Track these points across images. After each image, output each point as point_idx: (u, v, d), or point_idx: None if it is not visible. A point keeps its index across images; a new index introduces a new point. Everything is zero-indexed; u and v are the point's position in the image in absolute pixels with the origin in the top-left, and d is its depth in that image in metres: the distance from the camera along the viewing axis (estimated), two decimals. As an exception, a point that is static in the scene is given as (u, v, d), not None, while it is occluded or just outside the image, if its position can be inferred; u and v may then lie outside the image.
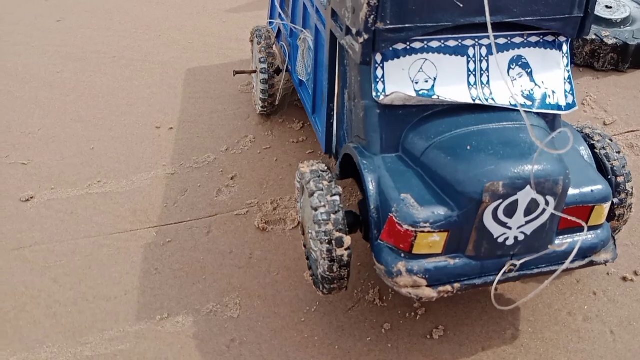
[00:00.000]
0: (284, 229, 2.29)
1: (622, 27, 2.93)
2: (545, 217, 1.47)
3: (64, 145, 2.88)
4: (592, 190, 1.55)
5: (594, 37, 2.85)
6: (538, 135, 1.57)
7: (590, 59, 2.93)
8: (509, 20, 1.58)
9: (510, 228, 1.47)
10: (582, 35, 1.67)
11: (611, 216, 1.79)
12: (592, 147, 1.83)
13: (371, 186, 1.59)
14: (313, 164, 1.72)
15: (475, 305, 1.93)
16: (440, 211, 1.46)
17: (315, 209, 1.58)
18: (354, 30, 1.52)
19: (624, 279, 1.97)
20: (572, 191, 1.54)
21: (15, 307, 2.09)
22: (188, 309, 2.03)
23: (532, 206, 1.45)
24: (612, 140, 1.84)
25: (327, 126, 2.01)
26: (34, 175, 2.71)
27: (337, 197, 1.60)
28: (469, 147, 1.50)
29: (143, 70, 3.41)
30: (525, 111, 1.65)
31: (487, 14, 1.29)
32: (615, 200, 1.77)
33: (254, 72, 2.76)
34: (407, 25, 1.50)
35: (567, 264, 1.42)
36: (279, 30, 2.79)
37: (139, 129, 2.94)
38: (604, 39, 2.82)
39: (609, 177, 1.77)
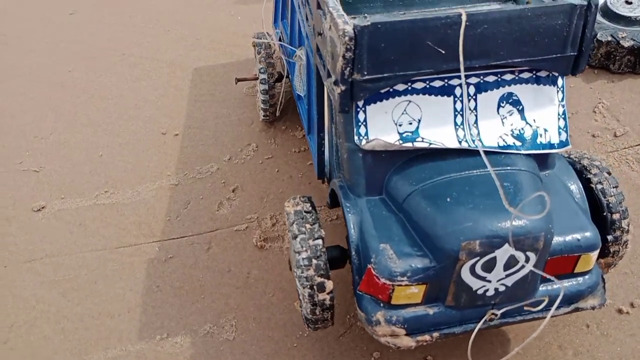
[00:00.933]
0: (281, 246, 2.32)
1: (641, 25, 2.78)
2: (526, 271, 1.45)
3: (73, 152, 2.94)
4: (578, 239, 1.51)
5: (609, 38, 2.70)
6: (524, 180, 1.53)
7: (605, 61, 2.78)
8: (496, 63, 1.52)
9: (489, 281, 1.46)
10: (576, 72, 1.60)
11: (605, 253, 1.75)
12: (587, 181, 1.77)
13: (353, 231, 1.59)
14: (298, 202, 1.72)
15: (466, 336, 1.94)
16: (419, 264, 1.46)
17: (298, 253, 1.59)
18: (332, 78, 1.49)
19: (620, 311, 1.93)
20: (557, 239, 1.50)
21: (26, 321, 2.20)
22: (186, 330, 2.10)
23: (511, 261, 1.42)
24: (610, 174, 1.78)
25: (318, 154, 2.00)
26: (46, 183, 2.79)
27: (319, 241, 1.61)
28: (449, 199, 1.47)
29: (151, 70, 3.42)
30: (513, 153, 1.61)
31: (461, 57, 1.24)
32: (610, 238, 1.72)
33: (256, 78, 2.74)
34: (386, 75, 1.45)
35: (547, 320, 1.41)
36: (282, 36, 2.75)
37: (145, 134, 2.97)
38: (620, 41, 2.67)
39: (604, 213, 1.72)
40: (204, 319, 2.12)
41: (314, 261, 1.58)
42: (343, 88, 1.44)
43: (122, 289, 2.27)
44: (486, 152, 1.59)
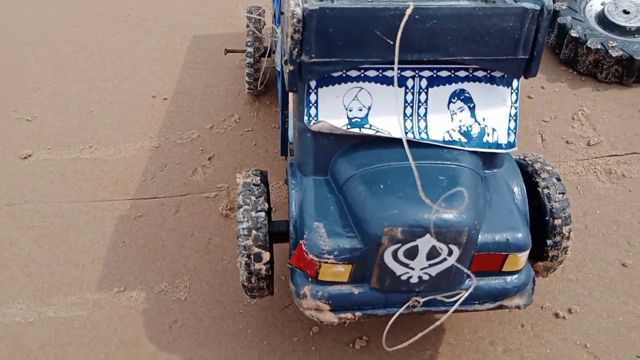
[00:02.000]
0: (245, 217, 2.39)
1: (636, 36, 2.71)
2: (449, 263, 1.49)
3: (66, 106, 3.03)
4: (508, 239, 1.54)
5: (599, 46, 2.67)
6: (461, 176, 1.56)
7: (593, 69, 2.75)
8: (445, 58, 1.54)
9: (412, 269, 1.51)
10: (528, 76, 1.61)
11: (544, 257, 1.78)
12: (535, 184, 1.79)
13: (293, 207, 1.64)
14: (249, 175, 1.78)
15: (403, 321, 1.99)
16: (346, 244, 1.51)
17: (240, 223, 1.66)
18: (284, 57, 1.53)
19: (557, 315, 1.96)
20: (485, 237, 1.54)
21: (-2, 261, 2.33)
22: (143, 285, 2.19)
23: (434, 252, 1.47)
24: (559, 180, 1.79)
25: (282, 131, 2.05)
26: (36, 133, 2.89)
27: (261, 214, 1.67)
28: (382, 186, 1.51)
29: (152, 33, 3.48)
30: (457, 149, 1.64)
31: (397, 50, 1.27)
32: (549, 242, 1.75)
33: (245, 51, 2.78)
34: (333, 60, 1.49)
35: (450, 312, 1.46)
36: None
37: (136, 96, 3.05)
38: (609, 50, 2.63)
39: (547, 218, 1.74)
40: (161, 277, 2.21)
41: (254, 232, 1.64)
42: (291, 68, 1.48)
43: (90, 240, 2.37)
44: (430, 145, 1.64)
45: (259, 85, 2.74)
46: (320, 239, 1.52)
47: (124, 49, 3.38)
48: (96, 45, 3.44)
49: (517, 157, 1.91)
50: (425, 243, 1.45)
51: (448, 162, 1.59)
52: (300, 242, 1.56)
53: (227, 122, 2.83)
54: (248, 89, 2.78)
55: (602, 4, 2.90)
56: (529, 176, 1.82)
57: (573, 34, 2.76)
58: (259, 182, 1.76)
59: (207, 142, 2.74)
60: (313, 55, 1.47)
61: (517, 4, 1.48)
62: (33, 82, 3.20)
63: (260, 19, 2.63)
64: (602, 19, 2.82)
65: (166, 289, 2.17)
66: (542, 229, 1.76)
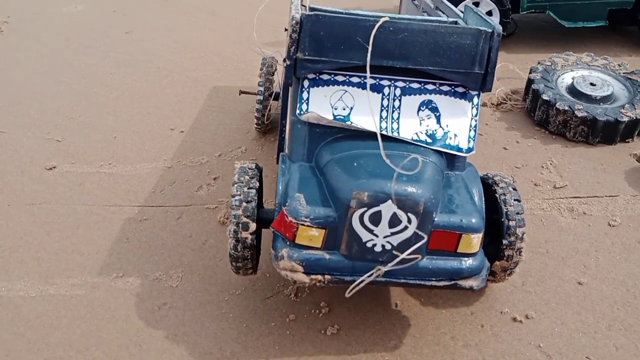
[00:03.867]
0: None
1: (601, 104, 3.07)
2: (409, 232, 1.71)
3: (93, 131, 3.39)
4: (461, 220, 1.77)
5: (566, 108, 3.02)
6: (423, 165, 1.83)
7: (562, 128, 3.08)
8: (414, 67, 1.87)
9: (377, 235, 1.72)
10: (484, 90, 1.92)
11: (500, 256, 1.98)
12: (494, 192, 2.04)
13: (280, 186, 1.90)
14: (246, 162, 2.06)
15: (374, 314, 2.15)
16: (321, 211, 1.74)
17: (232, 197, 1.91)
18: (286, 55, 1.88)
19: (514, 319, 2.10)
20: (443, 217, 1.76)
21: (11, 247, 2.54)
22: (139, 274, 2.38)
23: (395, 220, 1.69)
24: (515, 190, 2.04)
25: (279, 139, 2.35)
26: (63, 151, 3.21)
27: (252, 190, 1.92)
28: (355, 164, 1.78)
29: (178, 82, 3.92)
30: (424, 146, 1.92)
31: (369, 57, 1.59)
32: (505, 242, 1.95)
33: (257, 94, 3.16)
34: (322, 59, 1.82)
35: (388, 267, 1.66)
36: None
37: (156, 127, 3.40)
38: (575, 111, 2.97)
39: (502, 219, 1.97)
40: (157, 268, 2.40)
41: (244, 204, 1.89)
42: (288, 63, 1.82)
43: (97, 236, 2.59)
44: (401, 142, 1.92)
45: (265, 121, 3.08)
46: (299, 205, 1.75)
47: (151, 92, 3.80)
48: (127, 88, 3.87)
49: (480, 174, 2.17)
50: (388, 209, 1.68)
51: (412, 154, 1.85)
52: (282, 209, 1.79)
53: (234, 152, 3.14)
54: (256, 124, 3.13)
55: (572, 78, 3.29)
56: (488, 186, 2.07)
57: (544, 97, 3.13)
58: (254, 167, 2.03)
59: (214, 166, 3.04)
60: (306, 53, 1.81)
61: (473, 26, 1.83)
62: (66, 112, 3.59)
63: (273, 64, 3.03)
64: (572, 90, 3.19)
65: (160, 277, 2.36)
66: (498, 230, 1.98)
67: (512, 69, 3.58)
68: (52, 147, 3.25)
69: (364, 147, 1.86)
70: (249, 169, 2.00)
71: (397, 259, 1.67)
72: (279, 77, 3.24)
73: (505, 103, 3.36)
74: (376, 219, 1.70)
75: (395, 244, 1.74)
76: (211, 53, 4.36)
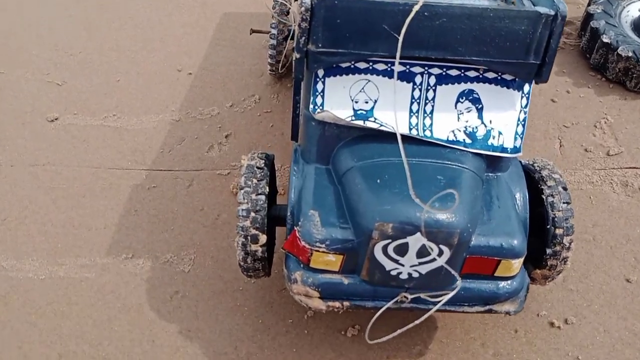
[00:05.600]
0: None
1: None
2: (439, 263, 1.50)
3: (95, 72, 3.10)
4: (502, 244, 1.53)
5: (630, 54, 2.56)
6: (460, 177, 1.55)
7: (622, 77, 2.64)
8: (453, 57, 1.52)
9: (402, 265, 1.51)
10: (539, 81, 1.57)
11: (542, 265, 1.76)
12: (540, 192, 1.77)
13: (292, 194, 1.66)
14: (254, 157, 1.80)
15: (397, 314, 2.01)
16: (338, 235, 1.52)
17: (239, 204, 1.69)
18: (294, 46, 1.54)
19: (552, 324, 1.93)
20: (479, 239, 1.52)
21: (17, 218, 2.41)
22: (150, 255, 2.25)
23: (424, 250, 1.47)
24: (565, 189, 1.76)
25: (293, 116, 2.06)
26: (64, 97, 2.96)
27: (261, 197, 1.69)
28: (379, 181, 1.52)
29: (184, 6, 3.50)
30: (460, 149, 1.63)
31: (399, 43, 1.26)
32: (549, 251, 1.72)
33: (269, 32, 2.78)
34: (340, 50, 1.49)
35: (432, 311, 1.47)
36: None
37: (163, 68, 3.09)
38: (641, 59, 2.55)
39: (548, 226, 1.72)
40: (167, 248, 2.27)
41: (252, 214, 1.67)
42: (298, 56, 1.49)
43: (104, 206, 2.44)
44: (434, 144, 1.63)
45: (280, 68, 2.74)
46: (314, 227, 1.53)
47: (155, 21, 3.42)
48: (129, 15, 3.48)
49: (527, 161, 1.88)
50: (416, 241, 1.45)
51: (449, 162, 1.57)
52: (295, 228, 1.58)
53: (247, 101, 2.85)
54: (270, 70, 2.79)
55: (639, 10, 2.79)
56: (535, 183, 1.79)
57: (605, 39, 2.67)
58: (263, 165, 1.78)
59: (225, 119, 2.77)
60: (320, 45, 1.47)
61: (530, 8, 1.44)
62: (66, 47, 3.27)
63: (285, 3, 2.63)
64: (638, 25, 2.72)
65: (171, 260, 2.23)
66: (543, 238, 1.74)
67: (569, -8, 3.06)
68: (53, 92, 2.99)
69: (390, 153, 1.58)
70: (258, 168, 1.75)
71: (431, 311, 1.47)
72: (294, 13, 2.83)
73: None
74: (402, 249, 1.47)
75: (423, 273, 1.53)
76: (220, -34, 3.86)
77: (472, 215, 1.48)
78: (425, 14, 1.41)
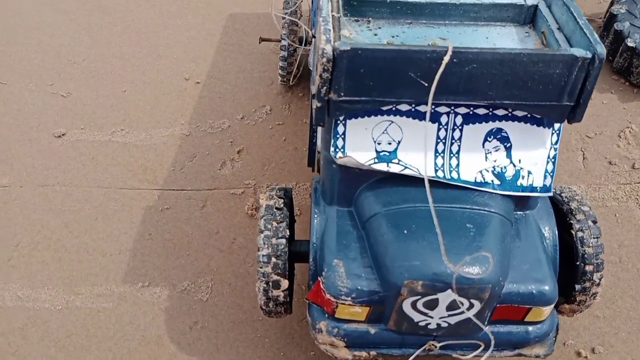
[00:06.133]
0: (270, 219, 2.37)
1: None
2: (469, 315, 1.45)
3: (101, 82, 3.02)
4: (533, 292, 1.48)
5: (658, 57, 2.47)
6: (490, 224, 1.49)
7: (648, 81, 2.57)
8: (483, 103, 1.44)
9: (431, 317, 1.47)
10: (572, 122, 1.50)
11: (571, 300, 1.72)
12: (569, 226, 1.71)
13: (314, 238, 1.61)
14: (272, 196, 1.74)
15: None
16: (365, 287, 1.47)
17: (259, 249, 1.64)
18: (313, 89, 1.46)
19: (578, 354, 1.89)
20: (510, 287, 1.47)
21: (30, 244, 2.37)
22: (167, 282, 2.22)
23: (454, 304, 1.42)
24: (595, 223, 1.69)
25: (309, 144, 1.99)
26: (70, 110, 2.89)
27: (282, 240, 1.64)
28: (406, 232, 1.46)
29: (188, 8, 3.38)
30: (490, 191, 1.56)
31: (431, 95, 1.19)
32: (578, 287, 1.67)
33: (280, 40, 2.68)
34: (363, 98, 1.41)
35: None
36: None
37: (169, 76, 3.00)
38: (669, 63, 2.44)
39: (578, 262, 1.67)
40: (184, 275, 2.23)
41: (273, 259, 1.62)
42: (319, 105, 1.41)
43: (118, 230, 2.40)
44: (461, 187, 1.56)
45: (291, 79, 2.65)
46: (338, 279, 1.48)
47: (159, 24, 3.31)
48: (132, 18, 3.38)
49: (554, 191, 1.81)
50: (446, 297, 1.40)
51: (478, 207, 1.51)
52: (319, 279, 1.53)
53: (258, 112, 2.77)
54: (281, 80, 2.70)
55: (666, 9, 2.67)
56: (563, 216, 1.73)
57: (629, 43, 2.55)
58: (282, 205, 1.72)
59: (237, 133, 2.70)
60: (342, 94, 1.39)
61: (566, 51, 1.35)
62: (69, 54, 3.18)
63: (297, 10, 2.52)
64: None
65: (189, 288, 2.19)
66: (572, 272, 1.69)
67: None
68: (58, 104, 2.92)
69: (416, 198, 1.51)
70: (277, 209, 1.69)
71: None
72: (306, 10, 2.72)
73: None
74: (432, 304, 1.42)
75: (452, 323, 1.48)
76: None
77: (503, 267, 1.43)
78: (455, 60, 1.32)
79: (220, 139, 2.68)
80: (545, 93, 1.40)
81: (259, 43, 2.76)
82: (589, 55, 1.34)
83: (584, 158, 2.41)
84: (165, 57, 3.10)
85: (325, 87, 1.36)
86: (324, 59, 1.31)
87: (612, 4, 2.76)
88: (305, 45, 2.59)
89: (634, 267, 2.10)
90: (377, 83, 1.37)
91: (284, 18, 2.51)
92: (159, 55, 3.11)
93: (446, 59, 1.26)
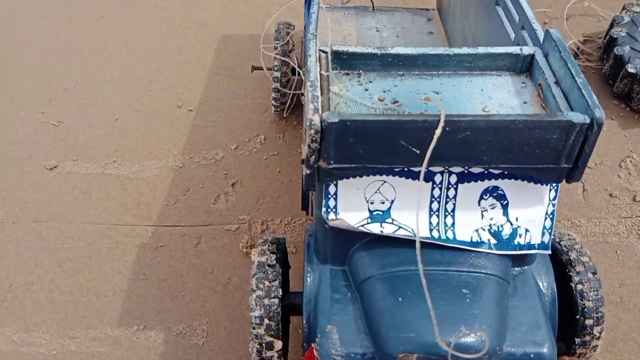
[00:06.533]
0: (265, 257, 2.34)
1: None
2: (466, 381, 1.42)
3: (92, 110, 2.97)
4: (531, 356, 1.45)
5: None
6: (487, 288, 1.45)
7: (652, 107, 2.50)
8: (478, 167, 1.40)
9: (427, 382, 1.44)
10: (570, 182, 1.45)
11: (570, 352, 1.69)
12: (569, 278, 1.67)
13: (307, 300, 1.58)
14: (264, 251, 1.70)
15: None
16: (359, 356, 1.44)
17: (251, 309, 1.61)
18: (302, 153, 1.41)
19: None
20: (507, 351, 1.44)
21: (24, 284, 2.34)
22: (162, 325, 2.18)
23: (450, 373, 1.39)
24: (594, 274, 1.66)
25: (302, 190, 1.95)
26: (62, 140, 2.85)
27: (274, 300, 1.60)
28: (400, 299, 1.42)
29: (180, 29, 3.32)
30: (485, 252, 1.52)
31: (425, 163, 1.15)
32: (577, 341, 1.64)
33: (272, 69, 2.63)
34: (353, 165, 1.37)
35: None
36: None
37: (161, 104, 2.95)
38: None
39: (577, 316, 1.63)
40: (179, 317, 2.20)
41: (266, 320, 1.59)
42: (308, 172, 1.37)
43: (112, 269, 2.37)
44: (457, 248, 1.52)
45: (285, 111, 2.60)
46: (332, 346, 1.45)
47: (151, 46, 3.25)
48: (123, 39, 3.32)
49: (552, 237, 1.77)
50: (442, 368, 1.37)
51: (474, 270, 1.47)
52: (312, 345, 1.50)
53: (252, 142, 2.72)
54: (274, 110, 2.66)
55: (668, 31, 2.60)
56: (561, 267, 1.69)
57: (630, 69, 2.49)
58: (274, 261, 1.68)
59: (231, 164, 2.65)
60: (332, 162, 1.35)
61: (563, 117, 1.30)
62: (60, 80, 3.13)
63: (289, 41, 2.46)
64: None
65: (184, 332, 2.16)
66: (572, 325, 1.66)
67: (588, 5, 2.83)
68: (50, 134, 2.88)
69: (411, 261, 1.47)
70: (269, 266, 1.66)
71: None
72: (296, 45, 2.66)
73: (579, 59, 2.69)
74: (427, 373, 1.40)
75: (448, 385, 1.46)
76: (216, -22, 3.64)
77: (500, 335, 1.40)
78: (447, 128, 1.28)
79: (214, 171, 2.64)
80: (541, 156, 1.36)
81: (252, 72, 2.72)
82: (587, 120, 1.29)
83: (584, 190, 2.36)
84: (157, 82, 3.05)
85: (313, 157, 1.32)
86: (312, 131, 1.26)
87: (612, 25, 2.69)
88: (298, 75, 2.54)
89: (635, 307, 2.07)
90: (368, 151, 1.33)
91: (275, 48, 2.45)
92: (151, 81, 3.06)
93: (438, 131, 1.22)
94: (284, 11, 2.72)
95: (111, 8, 3.51)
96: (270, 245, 1.74)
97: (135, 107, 2.95)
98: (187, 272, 2.33)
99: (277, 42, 2.46)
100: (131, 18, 3.43)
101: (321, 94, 1.41)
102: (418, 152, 1.32)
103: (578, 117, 1.30)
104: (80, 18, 3.47)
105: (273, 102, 2.57)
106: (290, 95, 2.55)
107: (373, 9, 2.90)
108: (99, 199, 2.60)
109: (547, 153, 1.35)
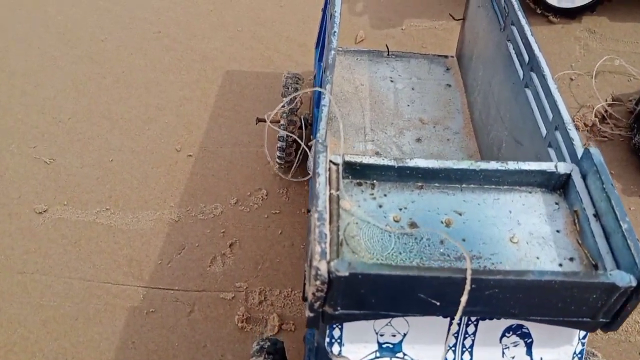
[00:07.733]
0: (262, 332, 2.19)
1: None
2: None
3: (86, 148, 2.80)
4: None
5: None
6: None
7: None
8: (507, 320, 1.25)
9: None
10: (606, 332, 1.31)
11: None
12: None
13: None
14: (265, 335, 1.57)
15: None
16: None
17: None
18: (306, 293, 1.26)
19: None
20: None
21: (7, 344, 2.20)
22: (149, 404, 2.06)
23: None
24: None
25: (304, 280, 1.80)
26: (53, 180, 2.69)
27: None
28: None
29: (182, 60, 3.14)
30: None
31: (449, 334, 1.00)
32: None
33: (278, 121, 2.46)
34: (363, 312, 1.22)
35: None
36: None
37: (159, 146, 2.78)
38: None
39: None
40: (168, 397, 2.08)
41: None
42: (311, 315, 1.22)
43: (99, 334, 2.22)
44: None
45: (290, 172, 2.44)
46: None
47: (151, 79, 3.08)
48: (122, 69, 3.14)
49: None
50: None
51: None
52: None
53: (253, 197, 2.56)
54: (278, 168, 2.49)
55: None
56: None
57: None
58: (273, 349, 1.55)
59: (229, 221, 2.49)
60: (338, 309, 1.20)
61: (606, 279, 1.15)
62: (54, 110, 2.96)
63: (296, 100, 2.28)
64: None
65: (172, 414, 2.04)
66: None
67: (620, 63, 2.62)
68: (41, 173, 2.72)
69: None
70: (269, 353, 1.52)
71: None
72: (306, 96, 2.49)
73: (606, 124, 2.48)
74: None
75: None
76: (222, 5, 3.44)
77: None
78: (473, 286, 1.12)
79: (212, 228, 2.48)
80: (577, 312, 1.21)
81: (256, 124, 2.55)
82: (634, 283, 1.14)
83: None
84: (156, 120, 2.88)
85: (318, 303, 1.17)
86: (318, 282, 1.11)
87: (640, 98, 2.53)
88: (306, 128, 2.38)
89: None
90: (381, 301, 1.18)
91: (283, 106, 2.28)
92: (149, 118, 2.89)
93: (464, 299, 1.06)
94: (292, 52, 2.55)
95: (111, 32, 3.33)
96: (267, 353, 1.59)
97: (132, 148, 2.78)
98: (178, 343, 2.18)
99: (283, 98, 2.29)
100: (131, 44, 3.25)
101: (330, 213, 1.26)
102: (438, 304, 1.17)
103: (623, 280, 1.14)
104: (78, 41, 3.29)
105: (277, 160, 2.40)
106: (296, 156, 2.38)
107: (388, 54, 2.73)
108: (89, 252, 2.44)
109: (583, 310, 1.20)
